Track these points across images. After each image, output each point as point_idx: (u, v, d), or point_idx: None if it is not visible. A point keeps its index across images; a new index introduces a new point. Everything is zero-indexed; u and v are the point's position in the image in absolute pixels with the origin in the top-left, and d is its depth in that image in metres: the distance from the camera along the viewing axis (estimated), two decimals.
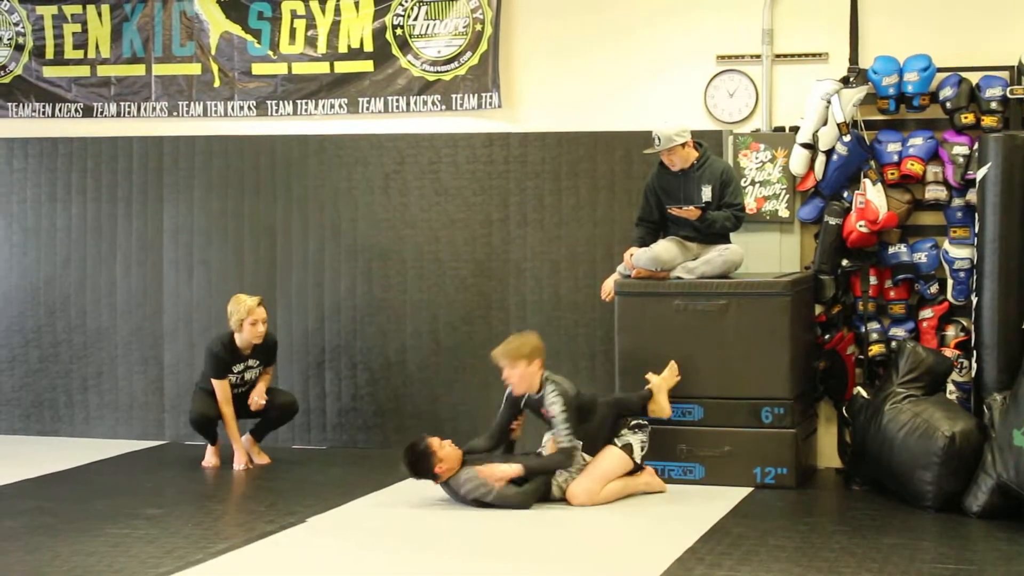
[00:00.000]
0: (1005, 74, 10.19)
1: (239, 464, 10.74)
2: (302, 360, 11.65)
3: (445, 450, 9.43)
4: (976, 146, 9.99)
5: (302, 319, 11.66)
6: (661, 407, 9.73)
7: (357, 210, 11.57)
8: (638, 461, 9.59)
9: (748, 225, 10.50)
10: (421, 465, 9.42)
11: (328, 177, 11.64)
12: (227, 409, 10.81)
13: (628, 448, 9.55)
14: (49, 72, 12.17)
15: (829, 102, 10.29)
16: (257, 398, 10.88)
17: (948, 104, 10.20)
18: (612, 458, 9.53)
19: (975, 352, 9.72)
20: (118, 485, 10.27)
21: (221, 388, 10.79)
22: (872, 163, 10.31)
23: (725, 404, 9.94)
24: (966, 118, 10.17)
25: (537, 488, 9.36)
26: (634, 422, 9.68)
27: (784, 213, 10.66)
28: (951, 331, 10.30)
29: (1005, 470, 8.89)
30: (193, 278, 11.89)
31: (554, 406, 9.40)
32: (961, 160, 10.16)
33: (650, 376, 9.79)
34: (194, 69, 11.88)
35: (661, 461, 9.92)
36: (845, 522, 9.05)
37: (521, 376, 9.53)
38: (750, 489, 9.81)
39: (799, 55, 10.72)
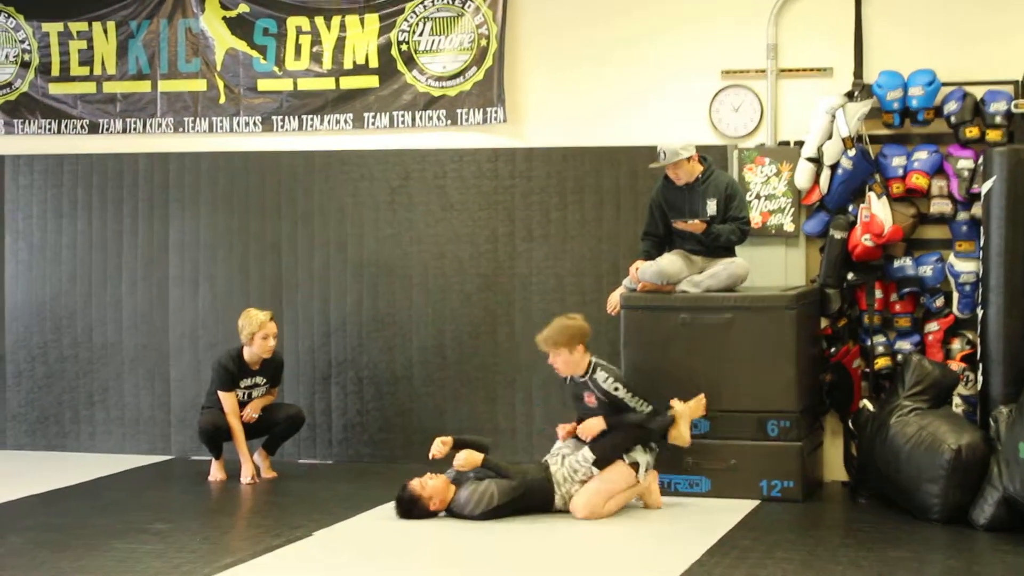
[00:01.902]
0: (1010, 88, 10.22)
1: (246, 477, 10.75)
2: (308, 375, 11.66)
3: (428, 487, 9.40)
4: (981, 160, 10.00)
5: (308, 334, 11.67)
6: (682, 435, 9.70)
7: (363, 225, 11.59)
8: (641, 480, 9.56)
9: (753, 239, 10.51)
10: (416, 512, 9.41)
11: (334, 193, 11.65)
12: (235, 422, 10.82)
13: (635, 466, 9.52)
14: (55, 89, 12.19)
15: (834, 116, 10.31)
16: (249, 410, 10.88)
17: (953, 118, 10.21)
18: (618, 475, 9.50)
19: (981, 365, 9.73)
20: (124, 500, 10.27)
21: (228, 400, 10.81)
22: (877, 177, 10.32)
23: (731, 417, 9.94)
24: (971, 132, 10.18)
25: (527, 470, 9.37)
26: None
27: (789, 227, 10.67)
28: (957, 344, 10.30)
29: (1011, 483, 8.89)
30: (199, 294, 11.91)
31: (614, 389, 9.50)
32: (966, 174, 10.18)
33: (675, 403, 9.75)
34: (200, 85, 11.91)
35: (668, 474, 9.91)
36: (851, 535, 9.05)
37: (565, 362, 9.63)
38: (756, 502, 9.81)
39: (804, 70, 10.74)
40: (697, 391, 9.91)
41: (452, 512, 9.39)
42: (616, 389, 9.49)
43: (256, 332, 10.77)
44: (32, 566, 8.23)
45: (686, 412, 9.73)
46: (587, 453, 9.43)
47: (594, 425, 9.47)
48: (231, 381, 10.83)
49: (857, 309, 10.54)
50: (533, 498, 9.40)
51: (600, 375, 9.54)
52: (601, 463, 9.42)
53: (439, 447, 9.54)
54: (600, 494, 9.41)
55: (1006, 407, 9.27)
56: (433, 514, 9.39)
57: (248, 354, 10.85)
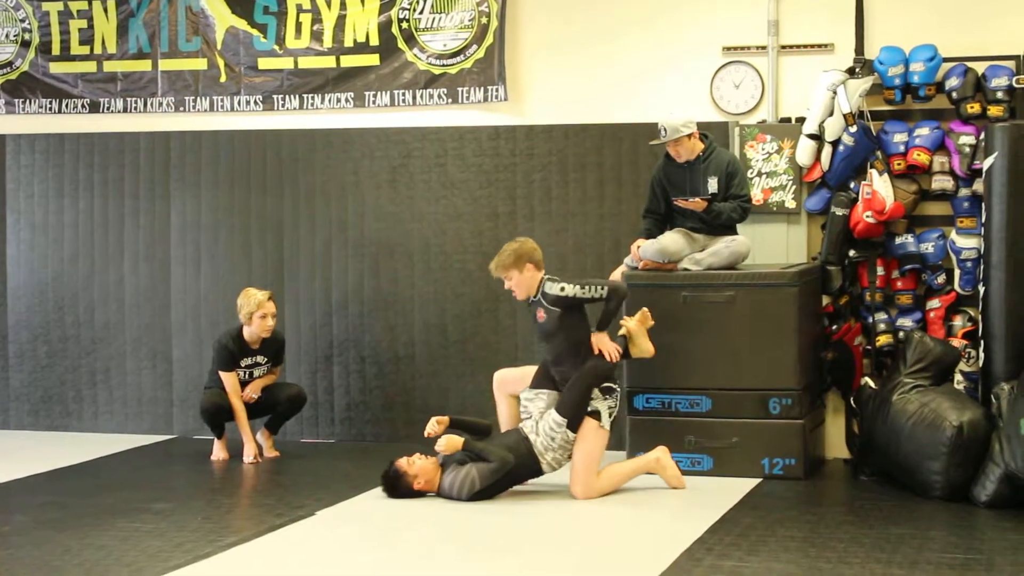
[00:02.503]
0: (1011, 63, 10.20)
1: (248, 457, 10.76)
2: (310, 354, 11.66)
3: (416, 466, 9.41)
4: (982, 136, 9.99)
5: (310, 313, 11.67)
6: (642, 349, 9.65)
7: (364, 204, 11.59)
8: (607, 427, 9.44)
9: (755, 216, 10.50)
10: (400, 489, 9.42)
11: (335, 171, 11.65)
12: (237, 401, 10.83)
13: (596, 415, 9.41)
14: (55, 68, 12.18)
15: (835, 93, 10.29)
16: (250, 391, 10.89)
17: (954, 94, 10.20)
18: (591, 437, 9.39)
19: (982, 342, 9.73)
20: (127, 479, 10.29)
21: (230, 380, 10.82)
22: (878, 154, 10.31)
23: (733, 395, 9.95)
24: (972, 108, 10.17)
25: (509, 447, 9.33)
26: (604, 384, 9.52)
27: (791, 204, 10.66)
28: (958, 321, 10.30)
29: (1013, 459, 8.90)
30: (201, 273, 11.91)
31: (561, 290, 9.47)
32: (967, 150, 10.16)
33: (624, 321, 9.69)
34: (200, 64, 11.90)
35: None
36: (853, 512, 9.05)
37: (518, 283, 9.63)
38: (758, 480, 9.82)
39: (805, 46, 10.72)
40: (698, 369, 9.92)
41: (441, 495, 9.40)
42: (563, 290, 9.46)
43: (254, 312, 10.77)
44: (35, 544, 8.26)
45: (636, 328, 9.64)
46: (556, 417, 9.37)
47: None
48: (231, 361, 10.84)
49: (859, 286, 10.53)
50: (520, 472, 9.37)
51: (547, 285, 9.54)
52: (573, 423, 9.35)
53: (434, 426, 9.55)
54: (586, 468, 9.35)
55: (1007, 384, 9.27)
56: (419, 494, 9.39)
57: (248, 333, 10.85)
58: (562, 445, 9.39)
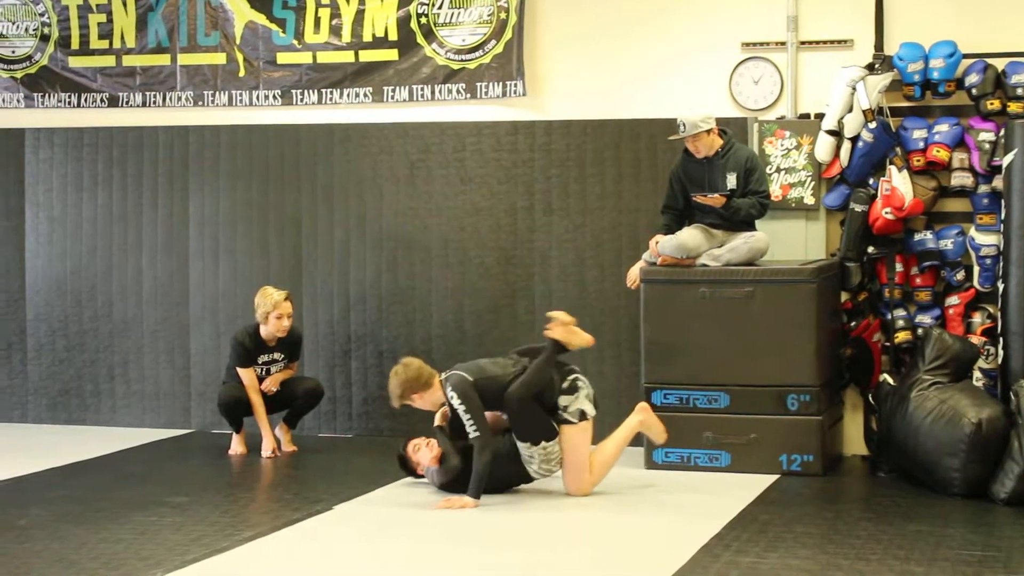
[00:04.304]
0: None
1: (267, 451, 10.77)
2: (328, 349, 11.67)
3: (418, 454, 9.58)
4: (1002, 132, 9.97)
5: (327, 308, 11.67)
6: (580, 339, 9.50)
7: (382, 199, 11.59)
8: (592, 414, 9.36)
9: (774, 212, 10.49)
10: (406, 469, 9.76)
11: (353, 166, 11.65)
12: (255, 397, 10.84)
13: (580, 414, 9.32)
14: (75, 62, 12.20)
15: (854, 89, 10.27)
16: (269, 383, 10.90)
17: (974, 90, 10.17)
18: (574, 441, 9.32)
19: (1001, 339, 9.71)
20: (144, 473, 10.30)
21: (247, 376, 10.83)
22: (898, 150, 10.29)
23: (751, 391, 9.93)
24: (992, 104, 10.14)
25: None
26: (565, 383, 9.39)
27: (809, 200, 10.64)
28: (977, 318, 10.27)
29: None
30: (219, 267, 11.92)
31: (453, 401, 9.19)
32: (987, 146, 10.14)
33: (550, 332, 9.45)
34: (219, 59, 11.90)
35: (687, 448, 9.93)
36: (871, 509, 9.04)
37: (426, 401, 9.42)
38: (776, 476, 9.81)
39: (824, 42, 10.69)
40: (717, 365, 9.91)
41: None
42: (452, 400, 9.19)
43: (271, 312, 10.78)
44: (53, 538, 8.27)
45: (562, 331, 9.42)
46: (520, 444, 9.30)
47: (463, 504, 9.09)
48: (248, 357, 10.85)
49: (877, 283, 10.51)
50: (509, 476, 9.36)
51: (447, 389, 9.25)
52: (537, 439, 9.27)
53: (440, 419, 9.61)
54: (575, 467, 9.33)
55: None
56: (423, 476, 9.63)
57: (264, 331, 10.87)
58: (542, 458, 9.34)
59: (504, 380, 9.31)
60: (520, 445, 9.32)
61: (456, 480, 9.26)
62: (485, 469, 9.09)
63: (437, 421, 9.61)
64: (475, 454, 9.11)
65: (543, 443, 9.28)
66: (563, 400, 9.35)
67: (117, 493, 9.54)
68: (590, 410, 9.39)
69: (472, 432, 9.11)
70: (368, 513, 9.00)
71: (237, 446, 10.94)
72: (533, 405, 9.29)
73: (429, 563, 7.83)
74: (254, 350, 10.88)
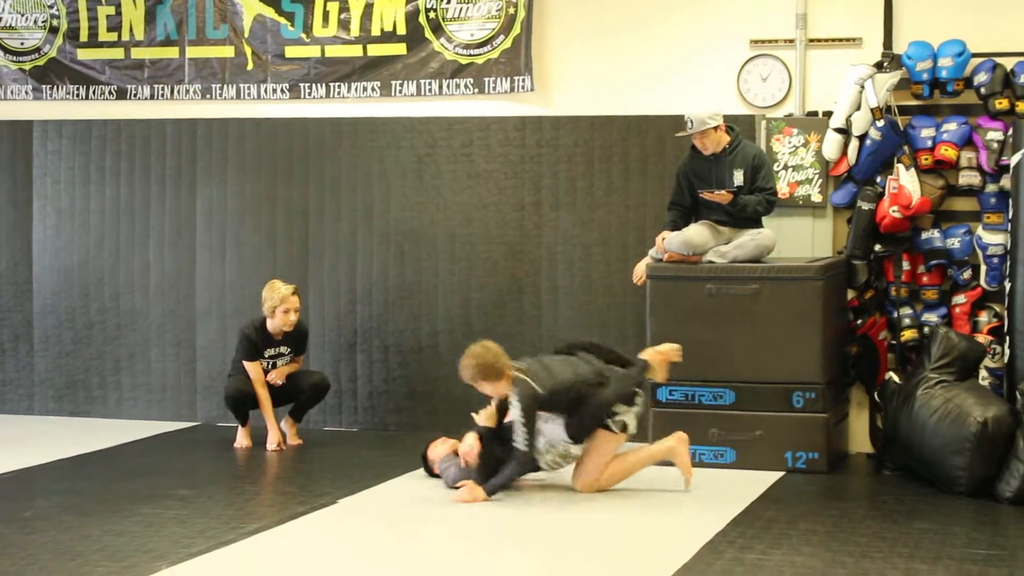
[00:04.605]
0: None
1: (272, 444, 10.78)
2: (334, 343, 11.67)
3: (435, 452, 9.66)
4: (1010, 132, 9.96)
5: (334, 302, 11.68)
6: (661, 376, 9.55)
7: (389, 193, 11.59)
8: (633, 432, 9.34)
9: (781, 210, 10.48)
10: (427, 469, 9.78)
11: (360, 160, 11.65)
12: (262, 390, 10.85)
13: (623, 425, 9.28)
14: (83, 55, 12.20)
15: (863, 87, 10.27)
16: (275, 375, 10.90)
17: (982, 89, 10.16)
18: (605, 447, 9.30)
19: (1008, 338, 9.70)
20: (150, 466, 10.31)
21: (254, 370, 10.84)
22: (905, 148, 10.28)
23: (757, 388, 9.93)
24: (1000, 103, 10.13)
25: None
26: (626, 394, 9.37)
27: (817, 198, 10.64)
28: (984, 317, 10.27)
29: None
30: (226, 261, 11.93)
31: (513, 409, 9.09)
32: (995, 145, 10.13)
33: (651, 355, 9.51)
34: (227, 52, 11.91)
35: (693, 445, 9.87)
36: (876, 507, 9.04)
37: (493, 390, 9.25)
38: (781, 473, 9.81)
39: (833, 40, 10.69)
40: (722, 362, 9.91)
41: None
42: (512, 407, 9.08)
43: (277, 306, 10.79)
44: (59, 530, 8.28)
45: (658, 360, 9.48)
46: (563, 433, 9.22)
47: (472, 496, 9.09)
48: (255, 351, 10.86)
49: (884, 281, 10.51)
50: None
51: (512, 390, 9.09)
52: (577, 439, 9.27)
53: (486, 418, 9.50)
54: (594, 468, 9.30)
55: None
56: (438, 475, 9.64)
57: (271, 325, 10.88)
58: (560, 454, 9.32)
59: (578, 384, 9.17)
60: (557, 434, 9.24)
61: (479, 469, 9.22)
62: (510, 477, 9.11)
63: (481, 420, 9.46)
64: (511, 461, 9.07)
65: (573, 446, 9.27)
66: (618, 407, 9.29)
67: (122, 485, 9.55)
68: (633, 427, 9.34)
69: (521, 444, 9.00)
70: (373, 507, 9.00)
71: (242, 439, 10.95)
72: (597, 412, 9.25)
73: (434, 558, 7.83)
74: (261, 344, 10.89)
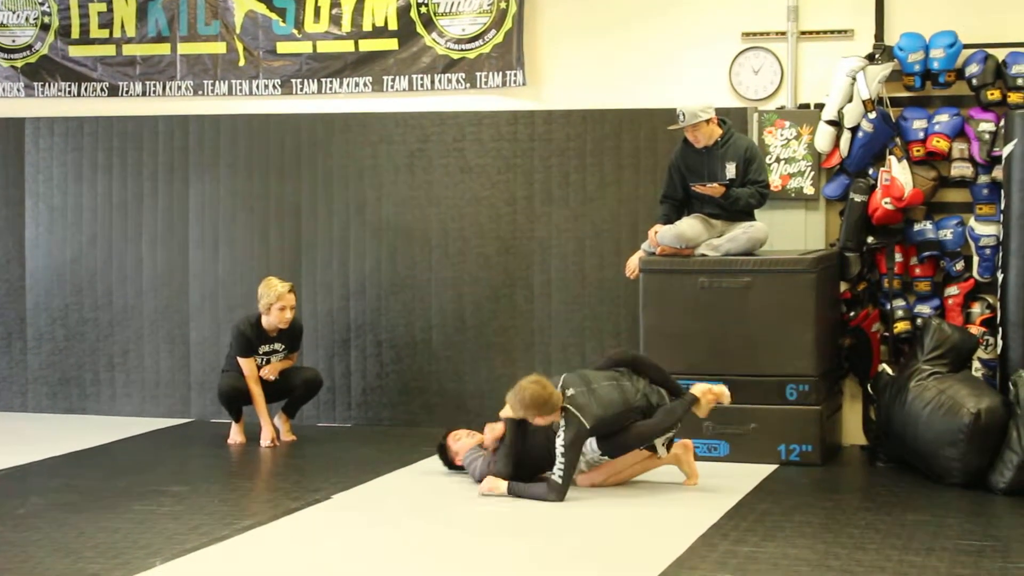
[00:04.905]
0: None
1: (266, 441, 10.77)
2: (327, 338, 11.67)
3: (459, 443, 9.61)
4: (1002, 123, 9.96)
5: (327, 297, 11.68)
6: (704, 413, 9.35)
7: (382, 188, 11.59)
8: (661, 455, 9.28)
9: (773, 202, 10.48)
10: (445, 459, 9.72)
11: (353, 155, 11.65)
12: (255, 387, 10.84)
13: (652, 447, 9.23)
14: (75, 51, 12.19)
15: (854, 79, 10.26)
16: (268, 370, 10.89)
17: (974, 81, 10.17)
18: (625, 459, 9.27)
19: (1001, 329, 9.71)
20: (144, 463, 10.30)
21: (247, 366, 10.83)
22: (897, 140, 10.28)
23: (750, 381, 9.92)
24: (992, 95, 10.13)
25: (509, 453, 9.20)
26: None
27: (809, 190, 10.64)
28: (977, 308, 10.28)
29: None
30: (218, 257, 11.92)
31: (560, 438, 8.92)
32: (987, 137, 10.13)
33: (703, 391, 9.29)
34: (219, 48, 11.90)
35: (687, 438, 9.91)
36: (870, 499, 9.05)
37: (545, 421, 9.03)
38: (775, 466, 9.81)
39: (824, 32, 10.69)
40: (715, 355, 9.91)
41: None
42: (559, 436, 8.91)
43: (273, 303, 10.78)
44: (53, 527, 8.27)
45: (713, 396, 9.29)
46: (596, 446, 9.12)
47: (492, 487, 9.07)
48: (249, 347, 10.85)
49: (877, 273, 10.51)
50: (541, 454, 9.26)
51: (563, 420, 8.93)
52: (611, 456, 9.21)
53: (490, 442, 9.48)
54: (603, 473, 9.29)
55: None
56: (460, 468, 9.59)
57: (266, 322, 10.87)
58: (591, 461, 9.25)
59: (626, 411, 9.05)
60: (592, 447, 9.14)
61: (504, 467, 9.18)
62: (535, 497, 8.92)
63: (487, 442, 9.46)
64: (545, 486, 8.90)
65: (604, 457, 9.23)
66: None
67: (116, 482, 9.54)
68: (662, 452, 9.24)
69: (556, 474, 8.85)
70: (367, 502, 9.00)
71: (236, 435, 10.95)
72: (641, 442, 9.19)
73: (427, 552, 7.82)
74: (255, 340, 10.88)
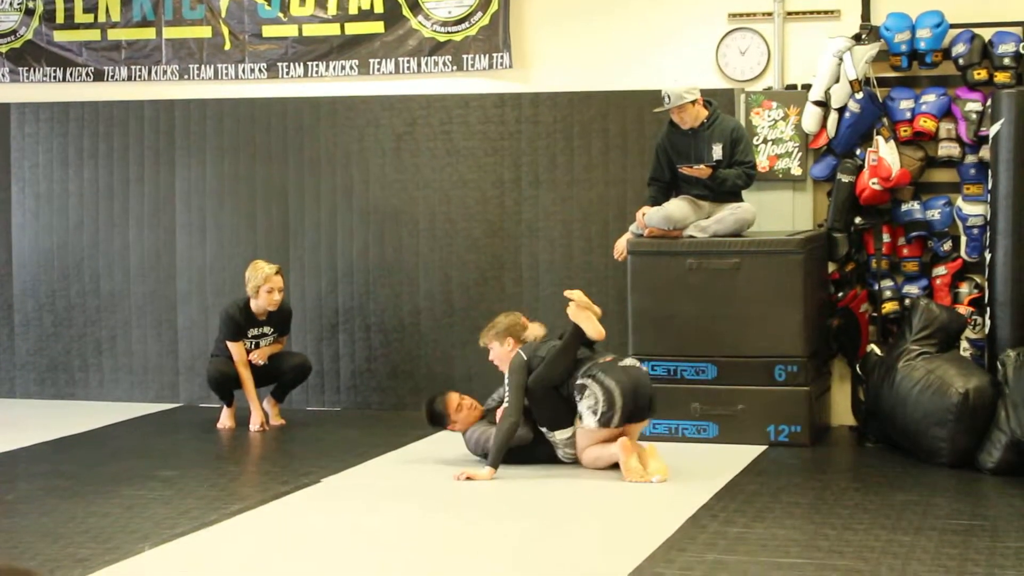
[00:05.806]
0: (1018, 30, 10.17)
1: (255, 425, 10.77)
2: (316, 323, 11.66)
3: (461, 413, 9.54)
4: (989, 102, 9.96)
5: (315, 282, 11.66)
6: (593, 327, 9.31)
7: (369, 172, 11.57)
8: (593, 426, 9.15)
9: (760, 183, 10.49)
10: (435, 421, 9.65)
11: (339, 139, 11.63)
12: (244, 371, 10.83)
13: (579, 416, 9.22)
14: (60, 36, 12.16)
15: (841, 59, 10.26)
16: (257, 355, 10.88)
17: (961, 60, 10.17)
18: (579, 439, 9.28)
19: (988, 309, 9.72)
20: (133, 448, 10.30)
21: (237, 350, 10.82)
22: (885, 120, 10.29)
23: (738, 363, 9.94)
24: (979, 74, 10.13)
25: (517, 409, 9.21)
26: (577, 382, 9.20)
27: (796, 171, 10.64)
28: (965, 288, 10.29)
29: (1019, 426, 8.91)
30: (206, 241, 11.90)
31: (505, 375, 9.28)
32: (974, 116, 10.14)
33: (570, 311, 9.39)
34: (204, 32, 11.87)
35: (675, 420, 9.93)
36: (859, 479, 9.07)
37: (497, 356, 9.47)
38: (764, 447, 9.82)
39: (811, 12, 10.68)
40: (704, 336, 9.92)
41: (464, 436, 9.57)
42: (506, 373, 9.30)
43: (261, 286, 10.77)
44: (41, 512, 8.26)
45: (575, 307, 9.35)
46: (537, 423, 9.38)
47: (476, 476, 9.08)
48: (238, 331, 10.84)
49: (865, 253, 10.52)
50: (536, 451, 9.36)
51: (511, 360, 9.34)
52: (548, 427, 9.31)
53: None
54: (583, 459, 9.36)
55: (1014, 350, 9.26)
56: (443, 427, 9.67)
57: (255, 306, 10.86)
58: (564, 443, 9.31)
59: (538, 362, 9.30)
60: (542, 429, 9.35)
61: (500, 451, 9.15)
62: (501, 440, 9.06)
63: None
64: (498, 423, 9.18)
65: (558, 431, 9.29)
66: (576, 397, 9.25)
67: (105, 467, 9.54)
68: (588, 421, 9.13)
69: (505, 402, 9.18)
70: (357, 486, 9.00)
71: (226, 420, 10.94)
72: (548, 393, 9.24)
73: (418, 535, 7.83)
74: (244, 324, 10.87)
